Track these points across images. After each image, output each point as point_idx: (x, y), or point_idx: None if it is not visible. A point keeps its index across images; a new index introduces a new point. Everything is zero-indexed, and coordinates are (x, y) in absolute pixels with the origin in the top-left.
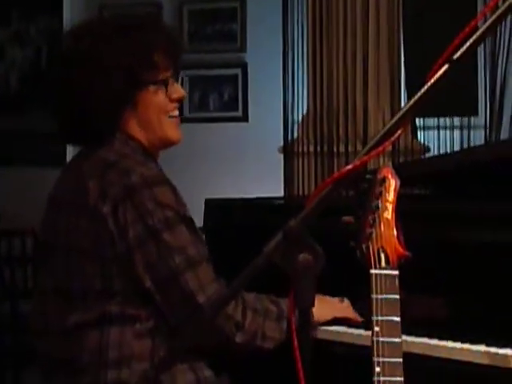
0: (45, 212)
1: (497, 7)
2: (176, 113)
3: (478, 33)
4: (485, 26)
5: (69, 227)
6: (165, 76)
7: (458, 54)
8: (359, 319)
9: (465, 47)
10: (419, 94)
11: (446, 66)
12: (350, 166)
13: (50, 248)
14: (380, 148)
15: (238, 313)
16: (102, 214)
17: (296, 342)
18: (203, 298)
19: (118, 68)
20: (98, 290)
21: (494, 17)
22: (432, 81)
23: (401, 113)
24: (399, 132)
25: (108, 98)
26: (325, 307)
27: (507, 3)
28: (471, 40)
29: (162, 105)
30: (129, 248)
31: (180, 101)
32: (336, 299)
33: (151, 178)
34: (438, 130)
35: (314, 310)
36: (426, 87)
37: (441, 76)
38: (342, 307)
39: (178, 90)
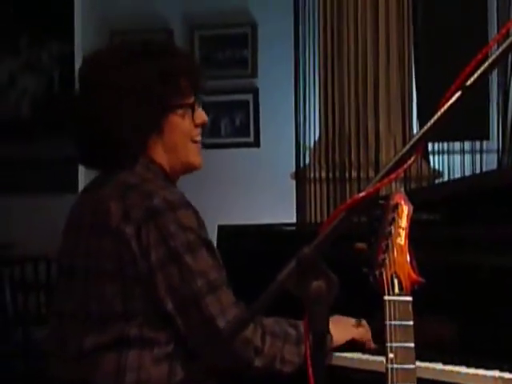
0: (63, 236)
1: (508, 34)
2: (199, 138)
3: (491, 60)
4: (497, 53)
5: (89, 249)
6: (190, 100)
7: (471, 80)
8: (372, 345)
9: (477, 74)
10: (432, 120)
11: (458, 93)
12: (363, 193)
13: (69, 271)
14: (393, 175)
15: (257, 337)
16: (125, 235)
17: (311, 369)
18: (223, 322)
19: (146, 93)
20: (118, 311)
21: (506, 44)
22: (445, 107)
23: (413, 140)
24: (412, 159)
25: (135, 123)
26: (342, 330)
27: None
28: (484, 67)
29: (187, 130)
30: (151, 270)
31: (203, 126)
32: (352, 320)
33: (174, 202)
34: (449, 154)
35: (332, 330)
36: (438, 114)
37: (453, 103)
38: (358, 329)
39: (202, 115)
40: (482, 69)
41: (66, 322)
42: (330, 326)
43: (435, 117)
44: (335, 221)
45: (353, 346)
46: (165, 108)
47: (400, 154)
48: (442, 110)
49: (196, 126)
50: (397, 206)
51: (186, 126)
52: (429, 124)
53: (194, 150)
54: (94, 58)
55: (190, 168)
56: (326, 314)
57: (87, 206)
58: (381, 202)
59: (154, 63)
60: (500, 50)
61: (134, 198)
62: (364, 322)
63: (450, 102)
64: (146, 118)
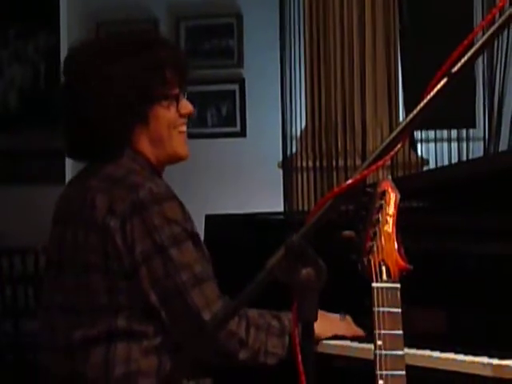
0: (51, 229)
1: (494, 21)
2: (184, 128)
3: (477, 46)
4: (483, 39)
5: (76, 242)
6: (176, 91)
7: (457, 67)
8: (361, 334)
9: (463, 60)
10: (418, 107)
11: (444, 80)
12: (350, 181)
13: (57, 264)
14: (380, 162)
15: (242, 329)
16: (110, 229)
17: (300, 356)
18: (208, 315)
19: (132, 84)
20: (105, 304)
21: (491, 30)
22: (431, 94)
23: (400, 127)
24: (399, 146)
25: (121, 114)
26: (325, 324)
27: (504, 16)
28: (469, 53)
29: (172, 120)
30: (135, 263)
31: (189, 116)
32: (337, 316)
33: (160, 194)
34: (436, 142)
35: (315, 325)
36: (425, 101)
37: (440, 89)
38: (342, 325)
39: (187, 106)
40: (467, 55)
41: (55, 315)
42: None
43: (421, 104)
44: (323, 208)
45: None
46: (150, 99)
47: (387, 141)
48: (429, 96)
49: (181, 116)
50: (384, 193)
51: (171, 116)
52: (415, 111)
53: (180, 140)
54: (79, 49)
55: (176, 158)
56: (315, 301)
57: (74, 198)
58: (368, 189)
59: (139, 54)
60: (485, 36)
61: (120, 191)
62: (348, 317)
63: (436, 88)
64: (131, 109)
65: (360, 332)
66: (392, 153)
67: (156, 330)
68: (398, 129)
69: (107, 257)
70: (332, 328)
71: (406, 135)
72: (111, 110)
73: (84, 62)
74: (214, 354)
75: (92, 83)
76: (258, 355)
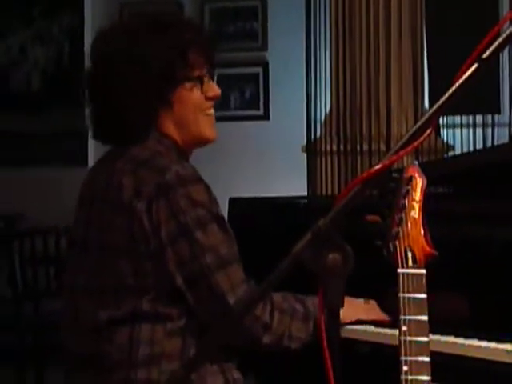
0: (76, 210)
1: None
2: (211, 111)
3: (508, 31)
4: None
5: (102, 224)
6: (200, 73)
7: (487, 53)
8: (386, 319)
9: (494, 46)
10: (448, 93)
11: (475, 66)
12: (379, 166)
13: (82, 245)
14: (408, 148)
15: (266, 314)
16: (137, 211)
17: (325, 342)
18: (233, 298)
19: (154, 66)
20: (131, 286)
21: None
22: (461, 80)
23: (430, 112)
24: (428, 131)
25: (144, 95)
26: (349, 308)
27: None
28: (499, 40)
29: (197, 102)
30: (161, 245)
31: (216, 99)
32: (361, 300)
33: (186, 176)
34: (461, 128)
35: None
36: (455, 86)
37: (470, 75)
38: (367, 309)
39: (214, 88)
40: (497, 42)
41: (79, 296)
42: None
43: (451, 89)
44: (350, 193)
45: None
46: (172, 81)
47: (415, 126)
48: (459, 82)
49: (208, 99)
50: (411, 178)
51: (195, 98)
52: (445, 96)
53: (207, 123)
54: (104, 33)
55: (202, 141)
56: (342, 287)
57: (100, 180)
58: (395, 174)
59: (161, 36)
60: None
61: (146, 173)
62: (372, 301)
63: (467, 74)
64: (153, 92)
65: (384, 317)
66: (421, 139)
67: (180, 313)
68: (428, 114)
69: (133, 238)
70: (356, 312)
71: (435, 121)
72: (135, 92)
73: (108, 45)
74: (238, 337)
75: (116, 66)
76: (281, 339)
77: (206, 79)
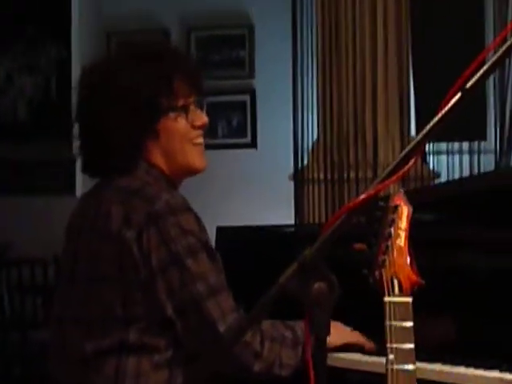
0: (64, 240)
1: (506, 39)
2: (200, 140)
3: (490, 63)
4: (498, 54)
5: (90, 254)
6: (185, 102)
7: (471, 82)
8: (371, 345)
9: (478, 75)
10: (432, 122)
11: (458, 95)
12: (364, 195)
13: (70, 275)
14: (394, 177)
15: (256, 342)
16: (126, 240)
17: (312, 371)
18: (224, 326)
19: (138, 98)
20: (119, 316)
21: (505, 46)
22: (446, 109)
23: (414, 141)
24: (413, 161)
25: (130, 127)
26: (336, 332)
27: None
28: (483, 69)
29: (184, 132)
30: (152, 274)
31: (203, 128)
32: (348, 328)
33: (175, 205)
34: (447, 154)
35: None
36: (439, 115)
37: (454, 105)
38: (353, 333)
39: (201, 117)
40: (481, 72)
41: (67, 327)
42: None
43: (436, 118)
44: (336, 222)
45: (350, 350)
46: (156, 111)
47: (401, 155)
48: (443, 111)
49: (195, 127)
50: (396, 207)
51: (181, 128)
52: (429, 125)
53: (195, 152)
54: (89, 65)
55: (192, 171)
56: (328, 316)
57: (88, 209)
58: (380, 203)
59: (146, 66)
60: (499, 52)
61: (136, 202)
62: (357, 332)
63: (451, 103)
64: (138, 122)
65: (370, 343)
66: (406, 168)
67: (168, 344)
68: (412, 143)
69: (122, 268)
70: (343, 336)
71: (420, 150)
72: (121, 123)
73: (93, 78)
74: (229, 365)
75: (101, 98)
76: (272, 367)
77: (191, 108)
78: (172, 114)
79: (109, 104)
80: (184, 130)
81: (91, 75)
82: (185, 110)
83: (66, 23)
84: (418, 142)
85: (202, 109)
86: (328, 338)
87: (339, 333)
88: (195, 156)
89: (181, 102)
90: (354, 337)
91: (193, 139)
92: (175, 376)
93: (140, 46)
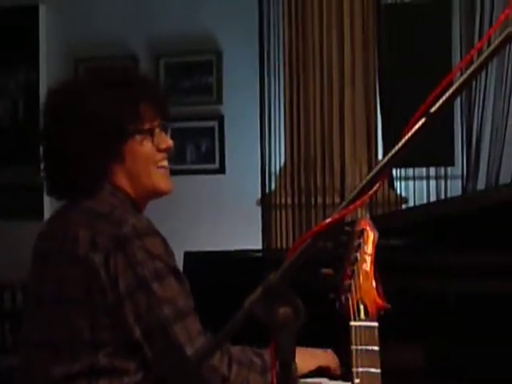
0: (31, 264)
1: (472, 61)
2: (165, 163)
3: (455, 87)
4: (461, 80)
5: (58, 277)
6: (151, 126)
7: (435, 107)
8: (338, 371)
9: (442, 101)
10: (397, 147)
11: (423, 120)
12: (329, 220)
13: (37, 299)
14: (359, 202)
15: (224, 365)
16: (94, 264)
17: None
18: (191, 350)
19: (104, 121)
20: (87, 340)
21: (470, 71)
22: (409, 134)
23: (378, 166)
24: (378, 185)
25: (95, 151)
26: (308, 357)
27: (484, 56)
28: (448, 94)
29: (149, 155)
30: (119, 298)
31: (168, 150)
32: (319, 350)
33: (142, 229)
34: (414, 180)
35: (298, 360)
36: (403, 141)
37: (418, 130)
38: (325, 356)
39: (166, 140)
40: (446, 95)
41: (34, 352)
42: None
43: (400, 144)
44: (301, 247)
45: (319, 373)
46: (121, 134)
47: (365, 180)
48: (407, 136)
49: (160, 150)
50: (362, 231)
51: (146, 151)
52: (393, 151)
53: (160, 175)
54: (54, 90)
55: (156, 193)
56: (293, 340)
57: (56, 232)
58: (346, 228)
59: (111, 91)
60: (464, 76)
61: (103, 226)
62: (330, 351)
63: (415, 128)
64: (104, 145)
65: (338, 368)
66: (371, 192)
67: (137, 366)
68: (376, 168)
69: (89, 291)
70: (316, 360)
71: (385, 175)
72: (86, 146)
73: (58, 102)
74: None
75: (65, 122)
76: None
77: (157, 131)
78: (138, 137)
79: (74, 126)
80: (149, 152)
81: (57, 96)
82: (150, 133)
83: (34, 48)
84: (383, 167)
85: (166, 132)
86: (300, 364)
87: (310, 357)
88: (160, 178)
89: (147, 126)
90: (326, 359)
91: (157, 162)
92: None
93: (107, 72)
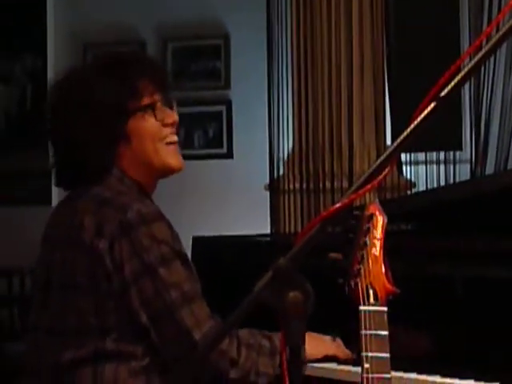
0: (39, 251)
1: (481, 47)
2: (173, 138)
3: (464, 71)
4: (471, 64)
5: (64, 264)
6: (151, 100)
7: (445, 91)
8: (350, 357)
9: (452, 84)
10: (407, 131)
11: (433, 104)
12: (338, 204)
13: (44, 285)
14: (368, 186)
15: (233, 349)
16: (99, 250)
17: (287, 381)
18: (199, 334)
19: (105, 105)
20: (93, 326)
21: (480, 55)
22: (419, 118)
23: (388, 151)
24: (387, 170)
25: (99, 133)
26: (316, 345)
27: (493, 41)
28: (457, 78)
29: (154, 130)
30: (125, 284)
31: (175, 126)
32: (328, 337)
33: (148, 215)
34: (424, 164)
35: (305, 347)
36: (413, 125)
37: (428, 113)
38: (333, 345)
39: (171, 115)
40: (455, 80)
41: (42, 337)
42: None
43: (410, 127)
44: (310, 232)
45: (327, 360)
46: (123, 114)
47: (375, 165)
48: (417, 120)
49: (166, 125)
50: (372, 216)
51: (150, 126)
52: (403, 135)
53: (168, 151)
54: (59, 78)
55: (167, 171)
56: (303, 325)
57: (62, 220)
58: (356, 212)
59: (110, 73)
60: (473, 61)
61: (108, 212)
62: (338, 339)
63: (425, 112)
64: (107, 129)
65: (349, 354)
66: (380, 177)
67: (145, 351)
68: (386, 153)
69: (96, 278)
70: (323, 349)
71: (394, 159)
72: (90, 131)
73: (62, 90)
74: (205, 373)
75: (70, 109)
76: (248, 375)
77: (158, 106)
78: (139, 114)
79: (78, 115)
80: (154, 128)
81: (59, 88)
82: (151, 107)
83: (41, 34)
84: (392, 152)
85: (171, 108)
86: (307, 351)
87: (319, 345)
88: (169, 154)
89: (146, 101)
90: (334, 350)
91: (165, 138)
92: (153, 383)
93: (105, 57)
